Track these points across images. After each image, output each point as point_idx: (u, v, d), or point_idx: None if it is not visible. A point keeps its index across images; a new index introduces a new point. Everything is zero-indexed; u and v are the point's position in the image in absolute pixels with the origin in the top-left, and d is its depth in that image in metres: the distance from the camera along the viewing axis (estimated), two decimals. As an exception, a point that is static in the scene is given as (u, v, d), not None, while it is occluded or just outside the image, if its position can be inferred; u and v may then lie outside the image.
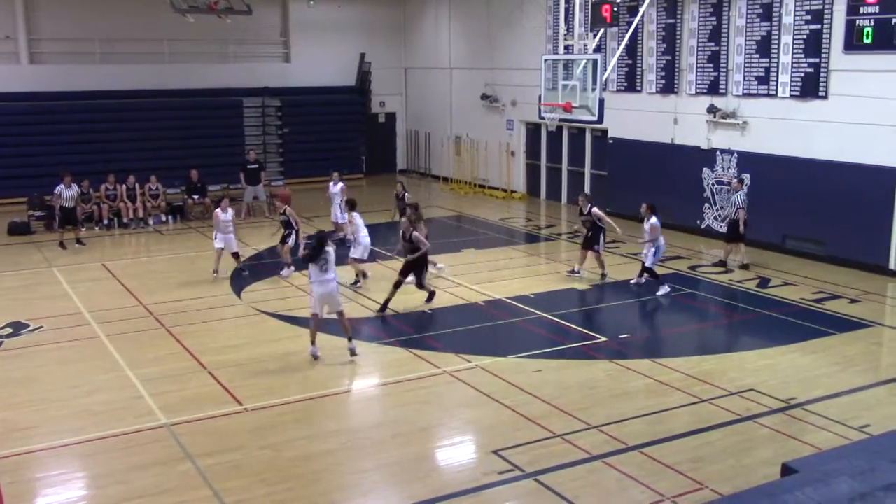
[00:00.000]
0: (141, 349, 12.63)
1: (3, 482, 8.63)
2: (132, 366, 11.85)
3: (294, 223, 16.67)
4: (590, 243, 16.30)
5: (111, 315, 14.26)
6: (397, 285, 14.40)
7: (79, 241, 19.66)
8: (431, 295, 14.77)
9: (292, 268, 16.72)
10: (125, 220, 22.05)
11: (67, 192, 19.51)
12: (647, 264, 15.56)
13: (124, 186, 22.14)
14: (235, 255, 17.03)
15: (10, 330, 13.54)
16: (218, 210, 16.86)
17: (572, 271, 16.61)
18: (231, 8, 24.10)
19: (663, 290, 15.31)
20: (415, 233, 14.55)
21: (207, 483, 8.61)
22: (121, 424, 9.95)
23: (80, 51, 26.22)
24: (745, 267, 17.07)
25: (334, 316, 12.30)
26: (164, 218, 22.70)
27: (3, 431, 9.81)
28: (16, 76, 25.47)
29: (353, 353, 12.17)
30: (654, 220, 15.38)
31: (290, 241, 16.52)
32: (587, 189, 24.16)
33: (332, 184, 20.33)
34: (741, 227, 16.88)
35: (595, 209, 16.26)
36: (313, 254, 11.91)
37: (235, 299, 15.35)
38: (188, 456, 9.18)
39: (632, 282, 16.02)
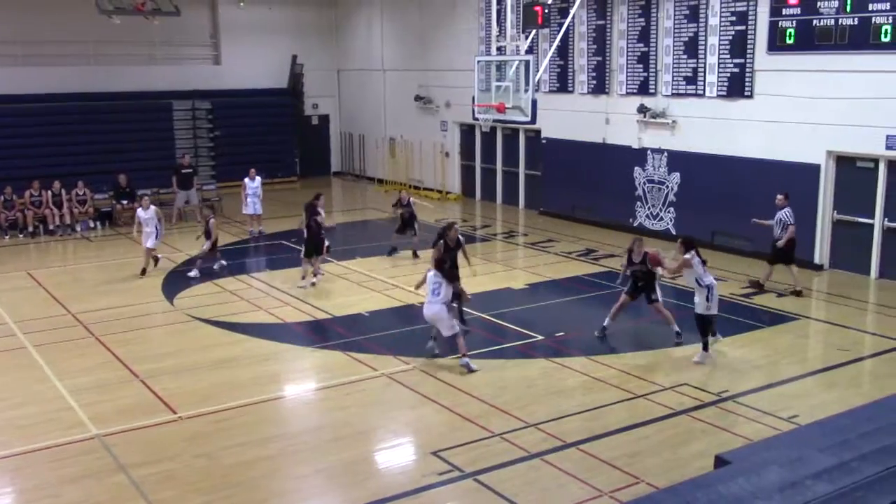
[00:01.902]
0: (70, 359, 12.30)
1: (-74, 500, 8.33)
2: (61, 376, 11.54)
3: (211, 233, 16.83)
4: (646, 295, 13.05)
5: (38, 325, 13.87)
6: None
7: None
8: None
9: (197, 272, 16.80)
10: (51, 226, 21.46)
11: None
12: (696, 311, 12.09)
13: (50, 192, 21.56)
14: (150, 252, 17.08)
15: (-70, 342, 13.07)
16: (139, 209, 17.26)
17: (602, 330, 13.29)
18: (158, 9, 23.65)
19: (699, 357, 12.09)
20: (460, 237, 13.72)
21: (142, 494, 8.43)
22: (50, 437, 9.68)
23: (4, 53, 25.38)
24: (797, 293, 15.12)
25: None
26: (92, 224, 22.18)
27: (-75, 448, 9.46)
28: (-67, 79, 24.61)
29: (467, 368, 11.58)
30: (688, 256, 11.88)
31: (205, 246, 16.83)
32: (521, 189, 24.38)
33: (248, 179, 20.91)
34: (780, 243, 15.22)
35: (651, 253, 12.93)
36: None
37: (168, 306, 15.07)
38: (121, 467, 8.97)
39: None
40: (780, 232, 15.22)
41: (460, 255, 13.66)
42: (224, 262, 17.40)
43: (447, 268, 12.23)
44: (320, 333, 13.48)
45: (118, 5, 23.08)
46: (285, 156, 29.53)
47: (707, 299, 11.71)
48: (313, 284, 15.97)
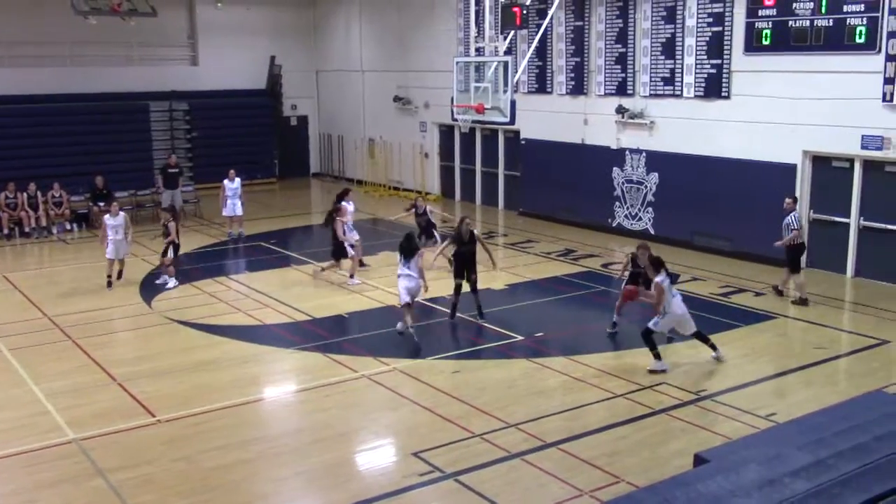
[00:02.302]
0: (46, 363, 12.18)
1: None
2: (37, 380, 11.43)
3: (175, 235, 16.45)
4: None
5: (13, 328, 13.73)
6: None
7: None
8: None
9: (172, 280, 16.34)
10: (27, 229, 21.25)
11: None
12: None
13: (25, 194, 21.35)
14: (121, 262, 16.46)
15: None
16: (107, 216, 16.49)
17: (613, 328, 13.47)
18: (135, 10, 23.48)
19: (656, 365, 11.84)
20: (476, 231, 14.50)
21: (120, 498, 8.36)
22: (26, 441, 9.58)
23: (-25, 54, 25.18)
24: (802, 302, 14.75)
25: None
26: (68, 226, 21.98)
27: None
28: None
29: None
30: (659, 279, 11.69)
31: (170, 254, 16.39)
32: (499, 189, 24.41)
33: (228, 180, 20.72)
34: (779, 244, 14.97)
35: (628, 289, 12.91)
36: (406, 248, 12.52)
37: (146, 308, 14.96)
38: (99, 471, 8.90)
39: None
40: (789, 237, 14.82)
41: (481, 250, 14.27)
42: (169, 282, 16.28)
43: (463, 261, 13.89)
44: (300, 335, 13.43)
45: (94, 6, 22.90)
46: (264, 157, 29.42)
47: (660, 318, 11.61)
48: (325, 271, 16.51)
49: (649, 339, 11.68)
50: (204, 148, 27.91)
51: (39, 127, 25.19)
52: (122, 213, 16.63)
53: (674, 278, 12.04)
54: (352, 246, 16.51)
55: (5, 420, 10.23)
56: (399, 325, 13.08)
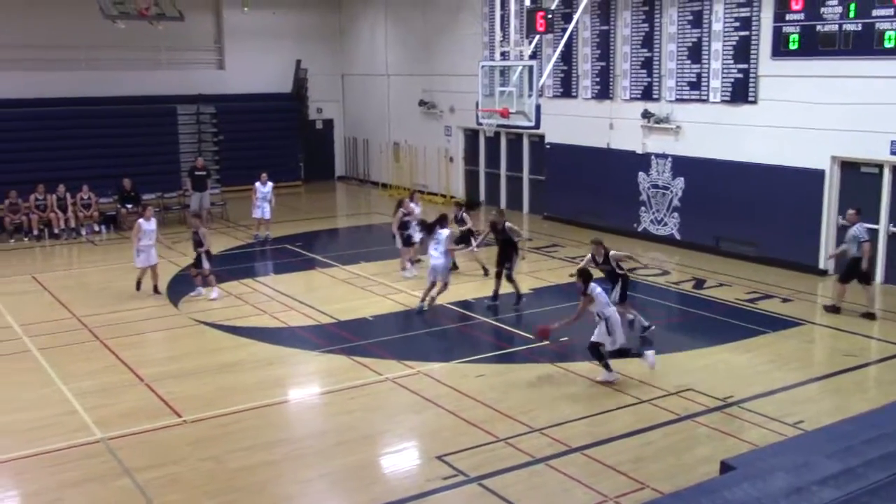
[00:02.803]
0: (75, 363, 12.31)
1: (-69, 504, 8.35)
2: (66, 380, 11.55)
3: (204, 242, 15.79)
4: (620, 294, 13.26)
5: (43, 328, 13.89)
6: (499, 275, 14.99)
7: None
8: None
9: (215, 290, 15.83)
10: (56, 230, 21.49)
11: None
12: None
13: (55, 196, 21.60)
14: (154, 273, 15.96)
15: (-65, 346, 13.09)
16: (141, 220, 15.92)
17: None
18: (163, 14, 23.68)
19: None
20: (508, 224, 15.09)
21: (147, 498, 8.43)
22: (54, 441, 9.68)
23: (8, 58, 25.45)
24: (869, 316, 14.12)
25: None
26: (96, 228, 22.21)
27: (-70, 451, 9.48)
28: (-62, 84, 24.69)
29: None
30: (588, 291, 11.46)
31: (206, 264, 15.73)
32: (525, 193, 24.39)
33: (259, 183, 20.89)
34: (864, 265, 14.17)
35: (613, 252, 13.47)
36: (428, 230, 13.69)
37: (173, 310, 15.08)
38: (126, 471, 8.98)
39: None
40: (856, 250, 14.06)
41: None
42: (202, 290, 15.92)
43: (499, 250, 14.99)
44: (325, 337, 13.48)
45: (122, 10, 23.14)
46: (289, 160, 29.55)
47: (608, 332, 11.24)
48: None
49: (597, 351, 11.41)
50: (230, 151, 28.11)
51: (69, 129, 25.48)
52: (153, 219, 16.21)
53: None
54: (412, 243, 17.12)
55: (34, 419, 10.34)
56: (417, 305, 14.38)
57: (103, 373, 11.95)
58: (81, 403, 10.74)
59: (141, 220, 15.86)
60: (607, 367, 11.48)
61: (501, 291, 14.95)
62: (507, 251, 15.12)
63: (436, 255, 14.64)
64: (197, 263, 15.79)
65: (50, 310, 15.05)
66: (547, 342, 12.23)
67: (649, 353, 11.48)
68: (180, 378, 11.67)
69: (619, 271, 13.35)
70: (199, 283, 15.83)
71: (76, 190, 21.96)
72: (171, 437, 9.86)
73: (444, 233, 14.87)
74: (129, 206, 22.43)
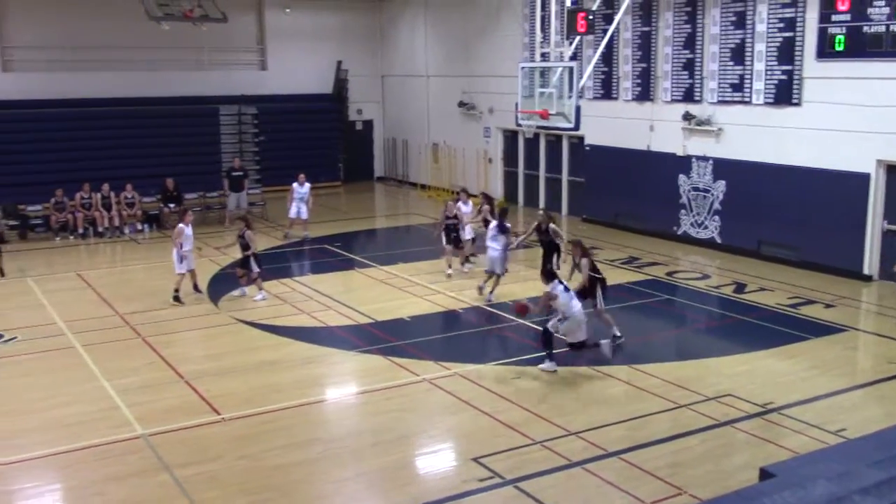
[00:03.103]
0: (117, 359, 12.51)
1: (-23, 495, 8.53)
2: (108, 376, 11.73)
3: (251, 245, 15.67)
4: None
5: (87, 325, 14.12)
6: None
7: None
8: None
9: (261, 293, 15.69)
10: (100, 228, 21.84)
11: None
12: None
13: (99, 195, 21.95)
14: (193, 274, 15.73)
15: (-17, 341, 13.39)
16: (182, 224, 15.54)
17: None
18: (206, 16, 24.01)
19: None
20: (552, 225, 15.51)
21: (185, 494, 8.54)
22: (96, 435, 9.84)
23: (55, 59, 26.00)
24: None
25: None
26: (139, 227, 22.53)
27: (-23, 444, 9.69)
28: (-11, 84, 25.24)
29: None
30: (548, 288, 11.83)
31: (255, 266, 15.58)
32: (564, 196, 24.29)
33: (297, 184, 21.13)
34: None
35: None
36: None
37: (213, 308, 15.24)
38: (165, 467, 9.10)
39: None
40: None
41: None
42: (246, 290, 15.91)
43: (543, 249, 15.52)
44: (362, 338, 13.54)
45: (167, 12, 23.50)
46: (329, 161, 29.77)
47: (560, 322, 11.66)
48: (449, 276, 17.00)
49: (548, 340, 11.75)
50: (271, 151, 28.35)
51: (114, 129, 25.90)
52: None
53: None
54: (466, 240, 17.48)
55: (77, 414, 10.53)
56: (486, 298, 15.10)
57: (145, 370, 12.12)
58: (123, 400, 10.91)
59: (182, 225, 15.52)
60: (550, 356, 11.78)
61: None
62: (551, 252, 15.24)
63: (494, 246, 15.26)
64: (243, 264, 15.76)
65: (94, 307, 15.31)
66: (523, 320, 12.87)
67: (605, 342, 11.89)
68: (219, 376, 11.80)
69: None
70: (243, 284, 15.86)
71: (120, 189, 22.29)
72: (209, 434, 9.97)
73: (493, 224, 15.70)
74: (172, 205, 22.72)
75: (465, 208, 17.98)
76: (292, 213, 21.12)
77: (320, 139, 29.33)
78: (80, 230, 21.66)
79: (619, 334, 12.98)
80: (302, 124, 28.86)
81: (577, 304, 11.75)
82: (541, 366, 11.86)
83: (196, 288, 15.85)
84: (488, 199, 18.53)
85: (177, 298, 15.31)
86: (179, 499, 8.47)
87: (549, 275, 12.05)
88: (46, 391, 11.32)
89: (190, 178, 24.28)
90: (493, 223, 15.81)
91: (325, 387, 11.88)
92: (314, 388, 11.64)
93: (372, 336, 13.61)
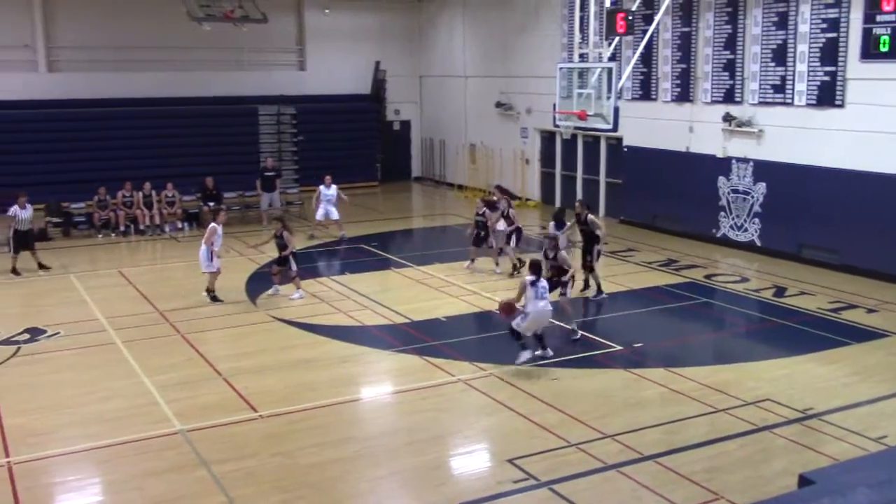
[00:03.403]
0: (157, 355, 12.68)
1: (20, 487, 8.69)
2: (148, 372, 11.90)
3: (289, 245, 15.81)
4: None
5: (127, 321, 14.33)
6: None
7: (41, 266, 17.91)
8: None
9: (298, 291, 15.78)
10: (141, 226, 22.14)
11: (22, 214, 17.66)
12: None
13: (140, 193, 22.25)
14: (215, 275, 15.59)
15: (27, 336, 13.63)
16: (215, 224, 15.50)
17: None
18: (247, 16, 24.25)
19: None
20: (590, 216, 15.63)
21: (222, 490, 8.63)
22: (136, 430, 9.98)
23: (98, 59, 26.43)
24: None
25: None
26: (179, 225, 22.79)
27: (20, 437, 9.86)
28: (34, 84, 25.73)
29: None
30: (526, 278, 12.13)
31: (294, 265, 15.73)
32: (602, 197, 24.18)
33: (323, 187, 21.19)
34: None
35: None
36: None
37: (251, 306, 15.39)
38: (203, 462, 9.20)
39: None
40: None
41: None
42: (279, 289, 15.97)
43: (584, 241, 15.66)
44: (398, 337, 13.58)
45: (208, 13, 23.77)
46: (367, 161, 29.92)
47: (522, 320, 11.73)
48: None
49: (515, 334, 11.92)
50: (309, 151, 28.58)
51: (155, 129, 26.28)
52: None
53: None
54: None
55: (117, 409, 10.69)
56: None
57: (183, 366, 12.27)
58: (162, 395, 11.05)
59: (215, 224, 15.47)
60: (524, 346, 11.91)
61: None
62: (591, 243, 15.47)
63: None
64: (280, 262, 15.87)
65: (134, 304, 15.52)
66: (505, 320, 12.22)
67: (525, 353, 11.88)
68: (256, 373, 11.91)
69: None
70: (276, 282, 15.98)
71: (161, 188, 22.57)
72: (246, 431, 10.07)
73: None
74: (211, 203, 22.95)
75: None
76: (319, 215, 21.15)
77: (358, 139, 29.49)
78: (122, 228, 21.96)
79: (576, 331, 13.21)
80: (340, 124, 29.04)
81: (541, 302, 11.74)
82: (516, 362, 11.88)
83: (215, 297, 15.49)
84: (503, 191, 18.52)
85: (214, 298, 15.43)
86: (216, 494, 8.56)
87: (533, 268, 12.00)
88: (87, 386, 11.51)
89: (229, 177, 24.51)
90: (552, 224, 16.18)
91: (361, 386, 11.94)
92: (350, 386, 11.70)
93: (408, 336, 13.65)
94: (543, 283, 11.97)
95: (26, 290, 16.73)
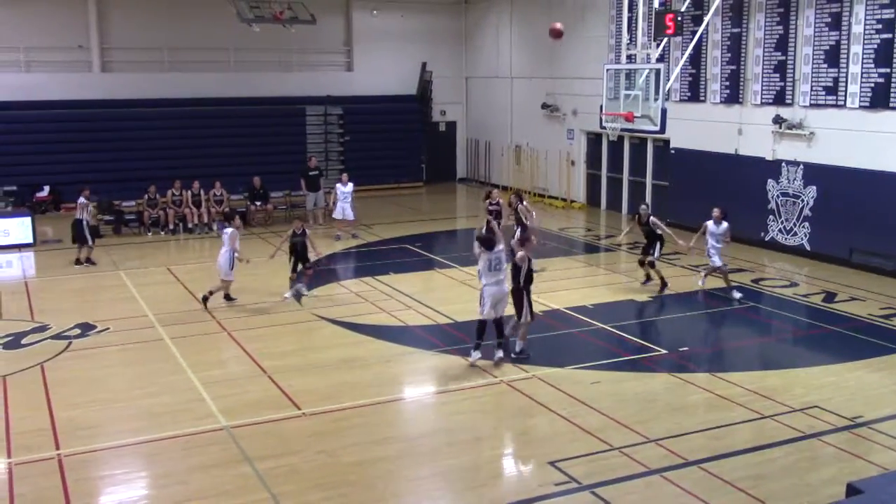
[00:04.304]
0: (203, 352, 12.86)
1: (70, 479, 8.87)
2: (194, 368, 12.07)
3: (312, 247, 16.28)
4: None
5: (175, 318, 14.55)
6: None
7: (88, 261, 18.42)
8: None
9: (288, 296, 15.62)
10: (190, 225, 22.46)
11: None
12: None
13: (189, 192, 22.57)
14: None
15: (78, 331, 13.90)
16: (235, 230, 15.37)
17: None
18: (296, 17, 24.49)
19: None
20: (652, 218, 16.01)
21: (265, 486, 8.72)
22: (182, 426, 10.14)
23: (150, 59, 26.93)
24: None
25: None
26: (227, 223, 23.01)
27: (70, 430, 10.07)
28: (88, 84, 26.26)
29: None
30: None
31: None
32: (647, 199, 23.96)
33: (340, 184, 21.21)
34: None
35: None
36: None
37: (296, 305, 15.51)
38: (247, 459, 9.31)
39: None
40: None
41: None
42: (305, 290, 15.73)
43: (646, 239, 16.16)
44: (441, 337, 13.60)
45: (258, 14, 24.05)
46: (412, 161, 30.03)
47: (480, 303, 12.05)
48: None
49: (479, 330, 12.09)
50: (355, 151, 28.77)
51: (204, 129, 26.70)
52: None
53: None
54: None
55: (165, 404, 10.86)
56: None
57: (229, 363, 12.44)
58: (208, 392, 11.20)
59: (235, 230, 15.35)
60: (477, 346, 12.07)
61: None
62: (652, 241, 15.81)
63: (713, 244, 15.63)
64: (304, 260, 16.15)
65: (182, 300, 15.75)
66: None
67: (475, 353, 12.05)
68: (300, 371, 12.01)
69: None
70: (305, 282, 15.90)
71: (209, 187, 22.87)
72: (289, 428, 10.16)
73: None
74: (258, 203, 23.24)
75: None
76: (337, 213, 21.12)
77: (404, 140, 29.62)
78: (171, 226, 22.31)
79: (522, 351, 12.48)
80: (386, 125, 29.21)
81: (487, 280, 11.81)
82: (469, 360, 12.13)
83: (228, 297, 15.45)
84: (520, 197, 18.13)
85: (228, 297, 15.36)
86: (259, 490, 8.66)
87: (481, 241, 11.86)
88: (136, 381, 11.72)
89: (276, 176, 24.78)
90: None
91: (403, 385, 11.97)
92: (392, 386, 11.74)
93: (451, 336, 13.65)
94: (499, 250, 11.81)
95: (77, 285, 17.07)
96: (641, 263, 16.34)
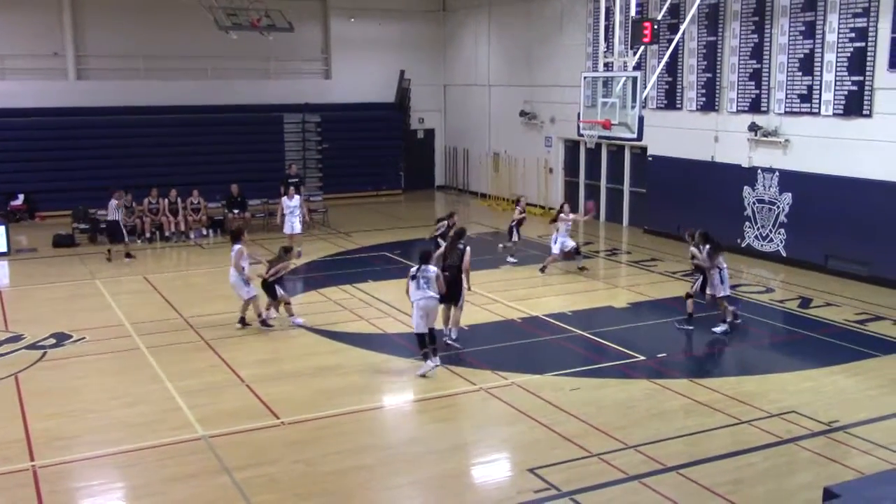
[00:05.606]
0: (180, 361, 12.76)
1: (44, 491, 8.77)
2: (171, 378, 11.98)
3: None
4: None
5: (152, 327, 14.44)
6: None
7: (128, 255, 19.96)
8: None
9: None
10: (167, 233, 22.32)
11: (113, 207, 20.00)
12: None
13: (166, 200, 22.43)
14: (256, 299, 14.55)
15: (53, 340, 13.76)
16: (241, 246, 14.40)
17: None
18: (273, 25, 24.41)
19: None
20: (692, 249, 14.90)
21: (243, 496, 8.66)
22: (159, 436, 10.05)
23: (126, 67, 26.75)
24: None
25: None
26: (204, 232, 22.94)
27: (45, 440, 9.96)
28: (63, 91, 26.06)
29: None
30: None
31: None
32: (625, 206, 24.07)
33: (286, 198, 20.18)
34: None
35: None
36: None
37: (273, 313, 15.41)
38: (225, 469, 9.24)
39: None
40: None
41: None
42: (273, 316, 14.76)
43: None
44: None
45: (235, 21, 23.95)
46: (390, 169, 30.01)
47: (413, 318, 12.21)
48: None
49: (420, 340, 12.15)
50: (333, 159, 28.73)
51: (181, 136, 26.55)
52: None
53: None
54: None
55: (141, 414, 10.77)
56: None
57: (207, 372, 12.34)
58: (186, 401, 11.12)
59: (241, 247, 14.40)
60: (426, 356, 12.10)
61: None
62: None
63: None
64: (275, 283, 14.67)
65: (159, 309, 15.64)
66: None
67: (429, 363, 12.05)
68: (278, 380, 11.96)
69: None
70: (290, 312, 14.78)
71: (187, 195, 22.74)
72: (268, 437, 10.10)
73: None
74: (236, 211, 23.13)
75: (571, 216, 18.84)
76: (286, 229, 20.00)
77: (382, 147, 29.61)
78: (147, 234, 22.15)
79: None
80: (364, 132, 29.17)
81: (418, 296, 11.99)
82: (418, 372, 12.15)
83: (265, 318, 14.57)
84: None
85: (264, 322, 14.50)
86: (237, 500, 8.60)
87: (422, 257, 12.30)
88: (112, 391, 11.61)
89: (254, 184, 24.70)
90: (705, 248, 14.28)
91: (382, 393, 11.93)
92: (371, 394, 11.70)
93: (430, 344, 13.60)
94: (430, 270, 12.07)
95: (52, 294, 16.89)
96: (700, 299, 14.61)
